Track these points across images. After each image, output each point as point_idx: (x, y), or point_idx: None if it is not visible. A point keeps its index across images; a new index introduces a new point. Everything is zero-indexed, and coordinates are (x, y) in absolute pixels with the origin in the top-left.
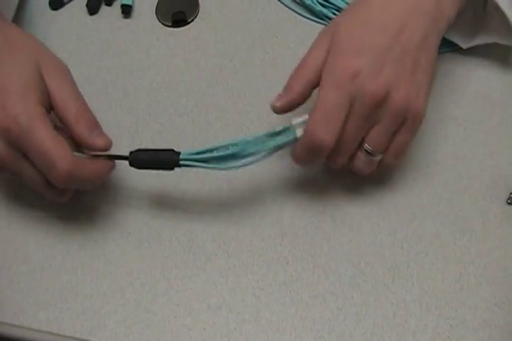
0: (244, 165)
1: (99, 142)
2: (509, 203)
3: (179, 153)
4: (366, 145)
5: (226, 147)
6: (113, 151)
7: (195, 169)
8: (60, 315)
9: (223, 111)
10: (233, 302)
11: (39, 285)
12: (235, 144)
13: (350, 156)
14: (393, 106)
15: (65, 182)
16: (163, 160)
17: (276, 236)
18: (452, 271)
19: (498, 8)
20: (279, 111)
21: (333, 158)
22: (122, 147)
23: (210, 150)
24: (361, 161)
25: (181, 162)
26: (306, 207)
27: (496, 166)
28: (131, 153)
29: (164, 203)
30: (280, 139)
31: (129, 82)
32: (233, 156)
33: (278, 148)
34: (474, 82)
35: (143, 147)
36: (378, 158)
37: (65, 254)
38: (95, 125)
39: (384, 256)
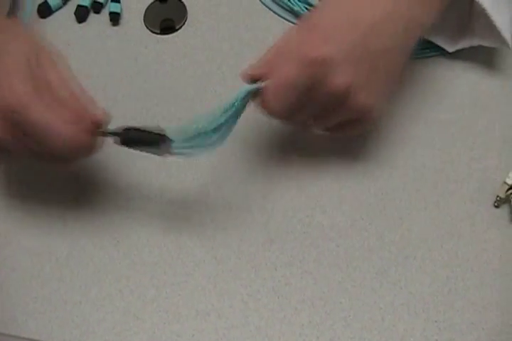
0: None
1: (99, 113)
2: (496, 206)
3: (170, 140)
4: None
5: (208, 127)
6: (100, 159)
7: None
8: (49, 323)
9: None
10: (222, 308)
11: (28, 293)
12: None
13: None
14: (350, 105)
15: (62, 153)
16: (154, 143)
17: (264, 242)
18: (440, 275)
19: (483, 11)
20: (249, 79)
21: (284, 121)
22: (111, 153)
23: (198, 136)
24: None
25: (175, 150)
26: (293, 214)
27: (483, 170)
28: (124, 130)
29: (152, 210)
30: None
31: (116, 89)
32: (217, 130)
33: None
34: (461, 85)
35: (128, 154)
36: (321, 132)
37: (53, 262)
38: (92, 101)
39: (372, 261)
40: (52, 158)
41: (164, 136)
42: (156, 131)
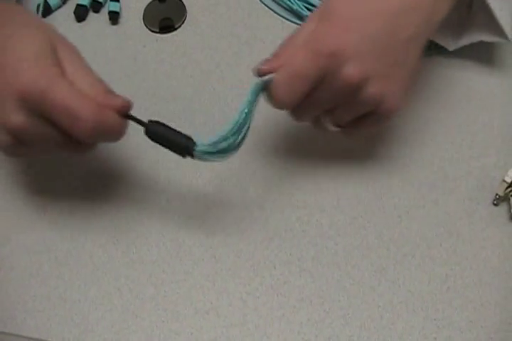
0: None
1: (118, 100)
2: (495, 204)
3: (195, 144)
4: (326, 116)
5: (231, 131)
6: (99, 158)
7: None
8: (48, 321)
9: (210, 116)
10: (220, 307)
11: (27, 291)
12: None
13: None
14: (364, 98)
15: (91, 135)
16: (178, 144)
17: (263, 240)
18: (439, 273)
19: (483, 3)
20: (260, 74)
21: (295, 115)
22: (110, 151)
23: (223, 139)
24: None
25: (196, 153)
26: (292, 212)
27: (482, 168)
28: (149, 121)
29: (151, 209)
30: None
31: (116, 88)
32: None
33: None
34: (459, 84)
35: (127, 153)
36: (336, 130)
37: (52, 261)
38: (111, 90)
39: (370, 259)
40: (74, 145)
41: (188, 137)
42: (182, 132)
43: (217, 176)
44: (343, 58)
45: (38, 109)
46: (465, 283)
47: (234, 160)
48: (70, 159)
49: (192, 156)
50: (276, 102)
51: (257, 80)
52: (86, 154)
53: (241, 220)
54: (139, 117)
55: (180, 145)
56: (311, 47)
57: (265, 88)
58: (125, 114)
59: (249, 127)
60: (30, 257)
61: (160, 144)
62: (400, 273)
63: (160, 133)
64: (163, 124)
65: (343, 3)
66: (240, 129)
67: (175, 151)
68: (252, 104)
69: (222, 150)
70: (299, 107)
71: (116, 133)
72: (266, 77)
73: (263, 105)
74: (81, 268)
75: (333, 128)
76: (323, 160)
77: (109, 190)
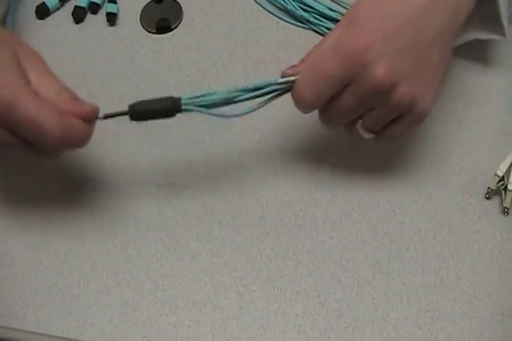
0: (243, 113)
1: (86, 108)
2: (487, 198)
3: (180, 98)
4: (360, 122)
5: (221, 93)
6: (98, 154)
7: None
8: (48, 315)
9: (207, 116)
10: (217, 300)
11: (27, 287)
12: (229, 91)
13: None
14: (395, 100)
15: (57, 146)
16: (165, 107)
17: (259, 235)
18: (432, 265)
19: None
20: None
21: (325, 120)
22: (108, 150)
23: (210, 94)
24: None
25: (183, 107)
26: (288, 207)
27: (475, 163)
28: (129, 106)
29: (149, 205)
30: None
31: (114, 89)
32: (229, 101)
33: (268, 93)
34: (453, 81)
35: (126, 149)
36: (368, 136)
37: (52, 257)
38: (77, 97)
39: (365, 252)
40: (37, 152)
41: (171, 96)
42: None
43: (214, 172)
44: (368, 60)
45: (2, 121)
46: (458, 275)
47: (230, 156)
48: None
49: (181, 110)
50: (298, 102)
51: (279, 77)
52: (54, 158)
53: (237, 215)
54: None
55: (167, 106)
56: (336, 50)
57: (289, 89)
58: (101, 117)
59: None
60: (30, 254)
61: (150, 119)
62: (394, 266)
63: (143, 110)
64: (140, 102)
65: (367, 6)
66: (230, 100)
67: (166, 116)
68: (262, 94)
69: (209, 101)
70: (328, 112)
71: (81, 142)
72: (290, 77)
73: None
74: (80, 264)
75: (366, 135)
76: (318, 156)
77: (107, 186)
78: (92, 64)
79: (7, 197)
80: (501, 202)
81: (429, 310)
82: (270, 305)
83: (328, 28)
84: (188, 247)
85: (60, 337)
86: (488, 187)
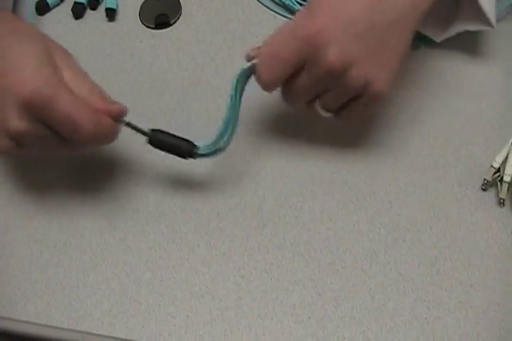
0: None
1: (116, 106)
2: (483, 189)
3: (197, 147)
4: (318, 102)
5: (227, 122)
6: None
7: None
8: (47, 306)
9: (205, 109)
10: (215, 290)
11: (27, 278)
12: (228, 110)
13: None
14: (347, 82)
15: (89, 141)
16: (181, 149)
17: (257, 226)
18: (428, 256)
19: None
20: (250, 59)
21: (285, 98)
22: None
23: (221, 136)
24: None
25: (196, 156)
26: (285, 198)
27: (471, 155)
28: (151, 130)
29: (147, 197)
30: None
31: (113, 83)
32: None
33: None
34: (448, 74)
35: (125, 143)
36: (326, 115)
37: (51, 249)
38: (107, 95)
39: (362, 243)
40: (69, 146)
41: (190, 141)
42: (182, 137)
43: (212, 164)
44: (321, 43)
45: (41, 116)
46: (454, 266)
47: (228, 149)
48: None
49: (194, 158)
50: (259, 82)
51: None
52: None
53: (235, 207)
54: (138, 123)
55: (183, 150)
56: (292, 34)
57: (253, 72)
58: (125, 122)
59: (237, 118)
60: (30, 245)
61: (162, 150)
62: (391, 257)
63: (162, 141)
64: (163, 132)
65: None
66: (233, 123)
67: (177, 155)
68: (238, 90)
69: (220, 148)
70: (287, 91)
71: (110, 139)
72: (249, 63)
73: (254, 96)
74: (80, 255)
75: (324, 114)
76: (315, 148)
77: (105, 179)
78: (91, 59)
79: (7, 190)
80: (497, 193)
81: (425, 300)
82: (268, 295)
83: None
84: (186, 238)
85: (59, 328)
86: (484, 179)
